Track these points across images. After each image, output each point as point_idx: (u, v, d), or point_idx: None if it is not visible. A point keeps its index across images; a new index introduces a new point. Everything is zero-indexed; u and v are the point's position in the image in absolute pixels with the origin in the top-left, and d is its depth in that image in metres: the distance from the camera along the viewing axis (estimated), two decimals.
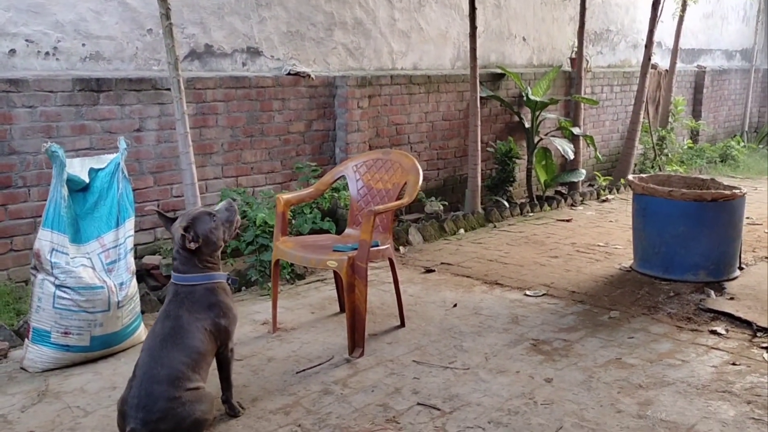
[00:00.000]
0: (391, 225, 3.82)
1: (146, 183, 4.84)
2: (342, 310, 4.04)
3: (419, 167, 3.75)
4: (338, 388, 3.13)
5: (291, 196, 3.86)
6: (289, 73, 5.65)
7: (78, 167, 3.52)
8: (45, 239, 3.27)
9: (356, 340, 3.47)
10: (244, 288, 4.58)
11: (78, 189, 3.52)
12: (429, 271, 5.01)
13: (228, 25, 5.29)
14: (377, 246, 3.61)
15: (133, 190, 4.71)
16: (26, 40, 4.30)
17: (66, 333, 3.28)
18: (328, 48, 6.03)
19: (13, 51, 4.24)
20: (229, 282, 2.85)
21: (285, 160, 5.66)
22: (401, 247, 5.61)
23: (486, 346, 3.62)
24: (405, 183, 3.76)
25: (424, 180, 6.72)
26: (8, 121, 4.17)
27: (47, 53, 4.40)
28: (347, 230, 4.01)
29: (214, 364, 2.80)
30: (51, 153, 3.27)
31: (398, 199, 3.74)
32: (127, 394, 2.51)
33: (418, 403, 2.99)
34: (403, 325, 3.89)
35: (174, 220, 2.73)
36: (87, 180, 3.51)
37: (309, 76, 5.72)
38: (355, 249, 3.46)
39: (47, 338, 3.28)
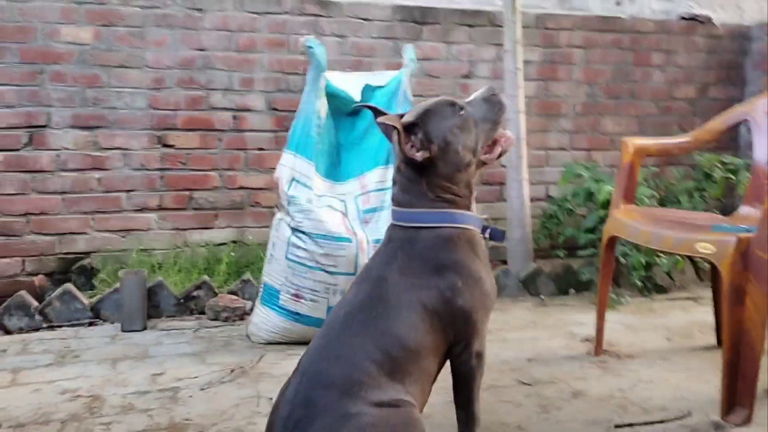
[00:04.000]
0: None
1: None
2: (720, 343, 2.44)
3: None
4: None
5: (649, 142, 2.41)
6: (682, 18, 4.11)
7: (353, 83, 2.63)
8: (286, 164, 2.43)
9: (739, 392, 1.89)
10: (572, 290, 3.23)
11: (348, 113, 2.63)
12: None
13: None
14: None
15: None
16: None
17: (297, 296, 2.38)
18: None
19: None
20: (487, 234, 1.59)
21: (663, 134, 4.11)
22: None
23: None
24: None
25: None
26: None
27: None
28: (742, 209, 2.39)
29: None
30: (307, 49, 2.42)
31: None
32: (280, 397, 1.43)
33: None
34: None
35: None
36: (358, 99, 2.59)
37: (710, 21, 4.10)
38: (751, 232, 1.90)
39: (275, 299, 2.42)
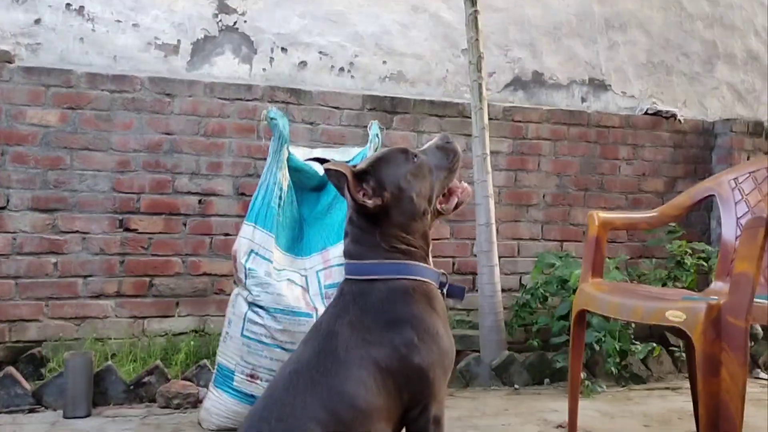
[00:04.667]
0: None
1: (441, 233, 3.76)
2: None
3: None
4: None
5: (616, 215, 2.38)
6: (646, 113, 4.21)
7: (318, 156, 2.61)
8: (245, 237, 2.35)
9: None
10: (547, 380, 3.10)
11: (312, 188, 2.59)
12: None
13: (566, 50, 4.15)
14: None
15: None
16: (320, 53, 3.70)
17: (252, 376, 2.24)
18: (707, 87, 4.45)
19: (303, 63, 3.67)
20: (444, 289, 1.50)
21: (633, 229, 4.11)
22: None
23: None
24: None
25: None
26: None
27: (341, 69, 3.74)
28: (714, 284, 2.34)
29: None
30: (269, 120, 2.40)
31: None
32: None
33: None
34: None
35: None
36: (322, 172, 2.55)
37: (674, 116, 4.20)
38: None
39: (230, 380, 2.28)
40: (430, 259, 1.51)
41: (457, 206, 1.53)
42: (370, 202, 1.42)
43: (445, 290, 1.51)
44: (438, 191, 1.49)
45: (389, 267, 1.43)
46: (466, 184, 1.57)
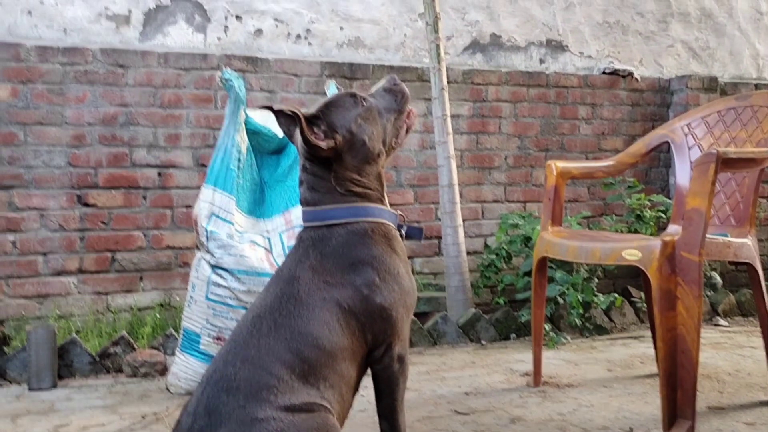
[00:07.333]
0: (752, 210, 2.12)
1: (405, 198, 3.78)
2: None
3: None
4: None
5: (573, 165, 2.41)
6: (603, 72, 4.25)
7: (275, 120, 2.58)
8: (205, 200, 2.33)
9: (679, 404, 1.80)
10: (513, 335, 3.14)
11: (272, 151, 2.57)
12: None
13: (522, 12, 4.15)
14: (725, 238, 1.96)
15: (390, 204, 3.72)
16: (275, 20, 3.66)
17: (219, 338, 2.24)
18: (662, 46, 4.49)
19: (259, 31, 3.63)
20: (402, 231, 1.52)
21: (594, 186, 4.17)
22: None
23: None
24: None
25: None
26: None
27: (298, 36, 3.70)
28: (669, 228, 2.39)
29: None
30: (224, 82, 2.37)
31: None
32: (182, 411, 1.29)
33: None
34: None
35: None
36: (281, 135, 2.54)
37: (631, 75, 4.25)
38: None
39: (196, 344, 2.27)
40: (386, 200, 1.52)
41: (406, 132, 1.54)
42: (323, 143, 1.42)
43: (403, 231, 1.52)
44: (391, 133, 1.49)
45: (347, 211, 1.44)
46: (411, 108, 1.55)
